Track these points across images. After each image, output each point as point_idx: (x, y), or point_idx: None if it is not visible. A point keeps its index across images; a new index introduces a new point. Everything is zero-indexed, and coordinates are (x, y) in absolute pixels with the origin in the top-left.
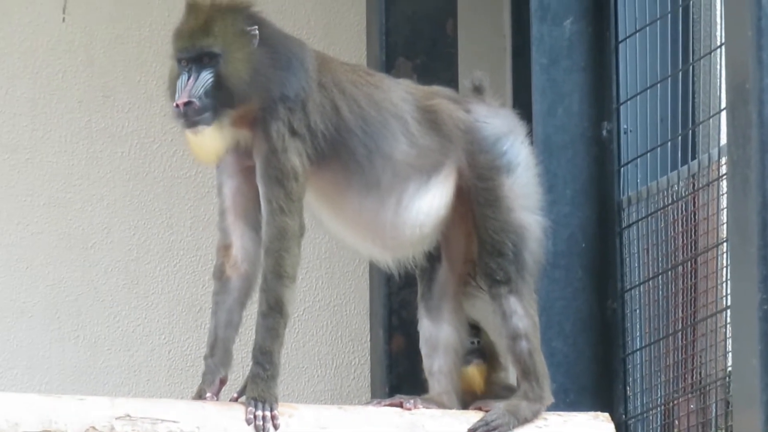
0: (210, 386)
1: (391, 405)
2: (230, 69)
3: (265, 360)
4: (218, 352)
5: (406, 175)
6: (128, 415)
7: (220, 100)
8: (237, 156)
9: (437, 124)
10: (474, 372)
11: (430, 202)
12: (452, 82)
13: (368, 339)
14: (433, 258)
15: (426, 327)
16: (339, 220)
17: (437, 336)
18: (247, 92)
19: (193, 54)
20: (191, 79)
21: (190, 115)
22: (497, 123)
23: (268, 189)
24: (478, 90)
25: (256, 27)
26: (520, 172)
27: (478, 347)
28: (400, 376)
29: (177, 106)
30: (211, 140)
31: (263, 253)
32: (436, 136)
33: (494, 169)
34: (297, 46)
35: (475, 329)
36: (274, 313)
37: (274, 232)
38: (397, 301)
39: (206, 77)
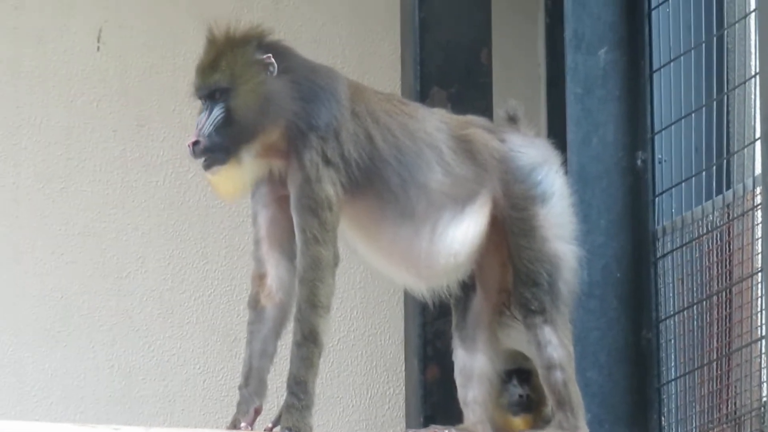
0: (245, 416)
1: None
2: (239, 102)
3: (299, 390)
4: (253, 382)
5: (440, 204)
6: None
7: (233, 135)
8: (272, 185)
9: (472, 153)
10: (520, 423)
11: (464, 231)
12: (487, 111)
13: (403, 369)
14: (467, 287)
15: (460, 357)
16: (373, 248)
17: (472, 366)
18: (261, 122)
19: (205, 91)
20: (205, 116)
21: (199, 154)
22: (532, 152)
23: (302, 218)
24: (512, 119)
25: (270, 56)
26: (554, 201)
27: (526, 401)
28: (434, 406)
29: (189, 146)
30: (229, 179)
31: (297, 283)
32: (471, 165)
33: (529, 199)
34: (326, 75)
35: (524, 374)
36: (309, 342)
37: (308, 261)
38: (431, 331)
39: (217, 113)
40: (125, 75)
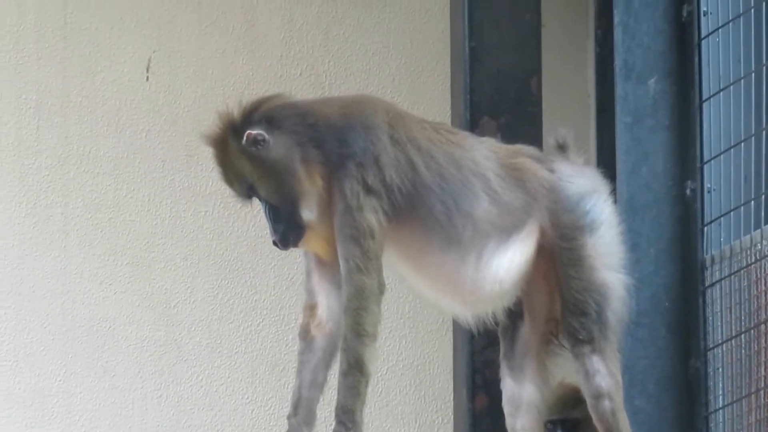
0: None
1: None
2: (265, 191)
3: (347, 419)
4: (302, 412)
5: (486, 232)
6: None
7: (286, 215)
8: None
9: (521, 182)
10: None
11: (510, 259)
12: (536, 140)
13: (452, 398)
14: (515, 316)
15: (509, 386)
16: (419, 275)
17: (520, 395)
18: (291, 189)
19: (243, 198)
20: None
21: (283, 245)
22: (581, 182)
23: (344, 248)
24: (561, 147)
25: (250, 132)
26: (603, 231)
27: None
28: None
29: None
30: (314, 241)
31: (343, 312)
32: (519, 194)
33: (577, 229)
34: (353, 104)
35: (569, 425)
36: (355, 371)
37: (352, 290)
38: (480, 360)
39: (265, 208)
40: (174, 105)
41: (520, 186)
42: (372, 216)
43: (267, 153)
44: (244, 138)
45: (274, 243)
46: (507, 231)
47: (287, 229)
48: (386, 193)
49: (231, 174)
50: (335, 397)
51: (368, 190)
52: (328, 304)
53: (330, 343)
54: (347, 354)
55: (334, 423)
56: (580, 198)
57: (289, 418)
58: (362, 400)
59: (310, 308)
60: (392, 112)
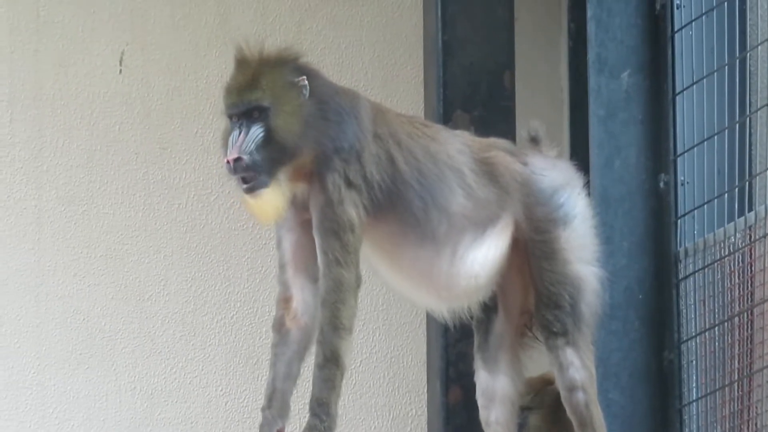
0: None
1: None
2: (280, 122)
3: (321, 411)
4: (276, 404)
5: (462, 226)
6: None
7: (272, 156)
8: (295, 209)
9: (494, 175)
10: None
11: (485, 253)
12: (509, 134)
13: (425, 391)
14: (489, 309)
15: (482, 378)
16: (394, 270)
17: (494, 387)
18: (299, 144)
19: (242, 109)
20: (242, 134)
21: (240, 171)
22: (554, 175)
23: (324, 241)
24: (534, 140)
25: (305, 77)
26: (576, 224)
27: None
28: (457, 428)
29: (228, 162)
30: (271, 201)
31: (320, 305)
32: (493, 188)
33: (551, 222)
34: (349, 97)
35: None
36: (331, 364)
37: (330, 284)
38: (454, 353)
39: (256, 132)
40: (147, 98)
41: (494, 180)
42: (352, 210)
43: (303, 103)
44: (298, 79)
45: (236, 160)
46: (482, 225)
47: (260, 166)
48: (366, 188)
49: (259, 86)
50: (309, 390)
51: (349, 184)
52: (303, 297)
53: (305, 336)
54: (323, 347)
55: (308, 415)
56: (553, 191)
57: (263, 410)
58: (337, 393)
59: (285, 301)
60: (375, 107)
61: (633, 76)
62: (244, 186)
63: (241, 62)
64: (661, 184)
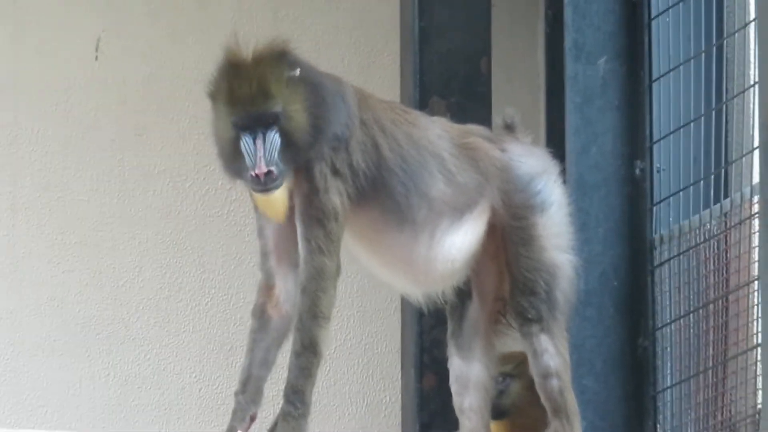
0: (240, 423)
1: None
2: (293, 123)
3: (296, 399)
4: (250, 390)
5: (440, 211)
6: None
7: (292, 157)
8: None
9: (474, 161)
10: (495, 428)
11: (462, 238)
12: (486, 120)
13: (399, 377)
14: (463, 295)
15: (456, 365)
16: (373, 254)
17: (468, 373)
18: (312, 140)
19: (254, 119)
20: (259, 143)
21: (269, 183)
22: (531, 162)
23: (307, 229)
24: (509, 126)
25: (299, 69)
26: (553, 211)
27: (500, 404)
28: (431, 415)
29: (257, 176)
30: (282, 198)
31: (299, 293)
32: (472, 173)
33: (528, 208)
34: (336, 83)
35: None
36: (308, 352)
37: (311, 272)
38: (428, 339)
39: (273, 138)
40: (123, 85)
41: (473, 166)
42: (337, 198)
43: (307, 96)
44: (293, 73)
45: (267, 174)
46: (460, 210)
47: (281, 173)
48: (352, 176)
49: (269, 93)
50: (283, 377)
51: (335, 172)
52: (285, 286)
53: (284, 324)
54: (302, 335)
55: (282, 402)
56: (531, 178)
57: (236, 395)
58: (313, 381)
59: (268, 289)
60: (358, 92)
61: (610, 62)
62: (261, 188)
63: (237, 66)
64: (637, 171)
